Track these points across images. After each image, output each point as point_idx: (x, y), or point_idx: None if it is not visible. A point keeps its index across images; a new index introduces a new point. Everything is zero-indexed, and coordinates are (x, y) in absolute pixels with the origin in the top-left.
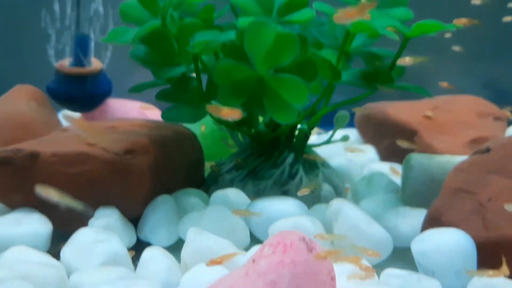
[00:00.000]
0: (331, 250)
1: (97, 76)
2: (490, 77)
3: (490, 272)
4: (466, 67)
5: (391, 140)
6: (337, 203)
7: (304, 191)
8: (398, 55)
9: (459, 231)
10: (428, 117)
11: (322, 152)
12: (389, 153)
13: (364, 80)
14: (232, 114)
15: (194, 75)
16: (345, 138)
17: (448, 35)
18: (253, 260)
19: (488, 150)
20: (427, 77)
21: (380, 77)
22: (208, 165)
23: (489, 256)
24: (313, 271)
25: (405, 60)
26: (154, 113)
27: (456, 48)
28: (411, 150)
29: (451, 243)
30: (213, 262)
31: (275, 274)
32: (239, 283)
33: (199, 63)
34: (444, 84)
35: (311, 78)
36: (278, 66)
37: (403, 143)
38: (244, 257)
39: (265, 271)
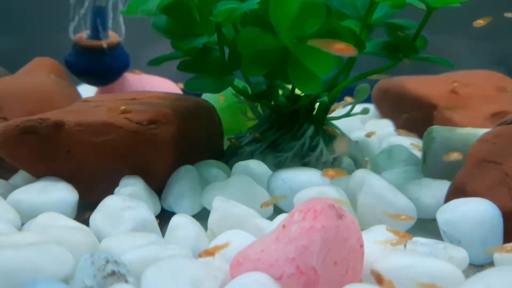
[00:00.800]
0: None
1: (115, 49)
2: (506, 53)
3: (509, 247)
4: (481, 43)
5: (409, 114)
6: (360, 174)
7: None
8: (422, 26)
9: (485, 201)
10: (455, 92)
11: (342, 126)
12: (407, 127)
13: (388, 51)
14: (345, 49)
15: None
16: (365, 111)
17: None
18: (283, 226)
19: None
20: (443, 54)
21: (404, 47)
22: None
23: None
24: (343, 237)
25: (480, 22)
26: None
27: (509, 14)
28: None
29: (477, 212)
30: (206, 253)
31: (306, 240)
32: (270, 247)
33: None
34: None
35: None
36: (303, 35)
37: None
38: (269, 224)
39: (296, 237)
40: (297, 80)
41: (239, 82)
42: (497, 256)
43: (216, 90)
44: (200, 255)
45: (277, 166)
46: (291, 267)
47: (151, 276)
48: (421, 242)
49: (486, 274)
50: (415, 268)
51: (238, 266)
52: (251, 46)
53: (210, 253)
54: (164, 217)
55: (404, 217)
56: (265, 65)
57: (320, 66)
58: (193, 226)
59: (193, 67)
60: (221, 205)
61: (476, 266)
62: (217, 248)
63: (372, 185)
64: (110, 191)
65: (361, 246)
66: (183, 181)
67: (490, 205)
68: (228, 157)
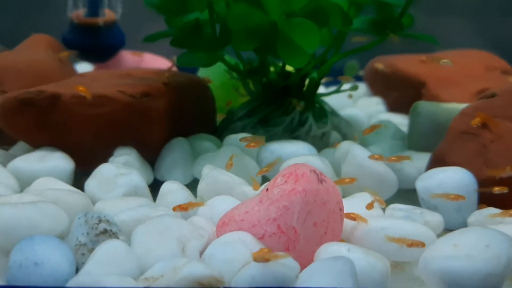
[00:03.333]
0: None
1: (111, 27)
2: (499, 35)
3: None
4: (475, 25)
5: (399, 92)
6: (345, 145)
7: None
8: (408, 3)
9: (462, 169)
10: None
11: (332, 103)
12: (397, 105)
13: (375, 28)
14: None
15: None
16: (354, 88)
17: None
18: (267, 189)
19: (493, 95)
20: (435, 35)
21: (390, 24)
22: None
23: (490, 193)
24: (323, 200)
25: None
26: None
27: None
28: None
29: (454, 180)
30: (180, 207)
31: (287, 201)
32: (253, 209)
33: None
34: None
35: (322, 24)
36: (290, 10)
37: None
38: (256, 192)
39: (278, 198)
40: (285, 54)
41: (232, 59)
42: (471, 221)
43: (207, 64)
44: (173, 209)
45: (267, 140)
46: (272, 227)
47: (141, 233)
48: (399, 208)
49: (456, 234)
50: (391, 230)
51: (223, 227)
52: (241, 21)
53: (183, 208)
54: (156, 187)
55: (348, 180)
56: (255, 40)
57: (307, 40)
58: (183, 191)
59: (186, 43)
60: (209, 172)
61: (451, 231)
62: (191, 205)
63: (356, 155)
64: (105, 161)
65: (341, 209)
66: (175, 152)
67: (466, 173)
68: (221, 132)
